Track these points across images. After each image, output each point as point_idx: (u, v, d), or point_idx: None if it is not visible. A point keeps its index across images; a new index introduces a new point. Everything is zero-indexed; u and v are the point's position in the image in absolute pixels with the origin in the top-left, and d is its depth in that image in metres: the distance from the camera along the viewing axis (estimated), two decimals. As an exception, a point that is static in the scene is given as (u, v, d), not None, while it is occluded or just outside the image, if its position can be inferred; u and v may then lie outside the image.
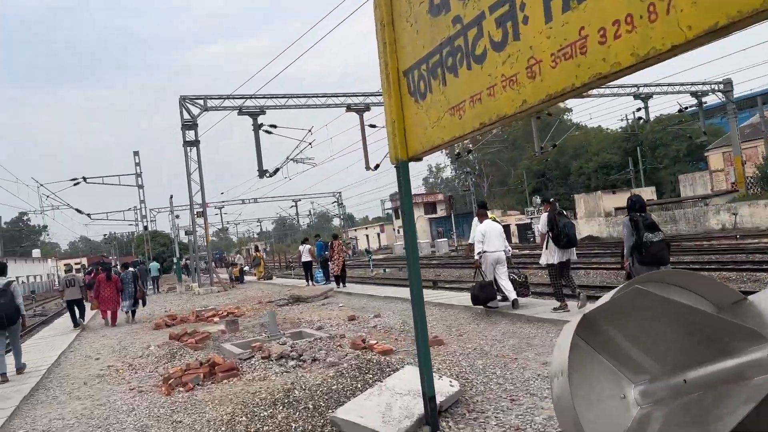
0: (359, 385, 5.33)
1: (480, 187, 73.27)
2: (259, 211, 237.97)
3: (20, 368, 8.64)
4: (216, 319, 12.54)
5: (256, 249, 41.14)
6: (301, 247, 21.71)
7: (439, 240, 48.13)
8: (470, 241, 10.39)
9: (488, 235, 9.18)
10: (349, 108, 25.28)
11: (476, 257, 9.26)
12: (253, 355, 7.16)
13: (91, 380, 7.70)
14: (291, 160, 24.85)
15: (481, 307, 9.37)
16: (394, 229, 74.96)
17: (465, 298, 10.35)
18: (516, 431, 4.20)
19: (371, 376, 5.62)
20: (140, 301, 15.93)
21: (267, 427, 4.63)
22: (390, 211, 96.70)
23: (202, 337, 9.30)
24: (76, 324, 14.63)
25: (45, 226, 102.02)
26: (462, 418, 4.58)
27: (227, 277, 26.55)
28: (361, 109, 25.48)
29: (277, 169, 24.36)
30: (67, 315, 17.10)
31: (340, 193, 68.13)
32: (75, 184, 29.61)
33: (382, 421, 4.24)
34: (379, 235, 79.53)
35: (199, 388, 6.39)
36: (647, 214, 6.67)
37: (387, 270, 33.47)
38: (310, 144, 25.09)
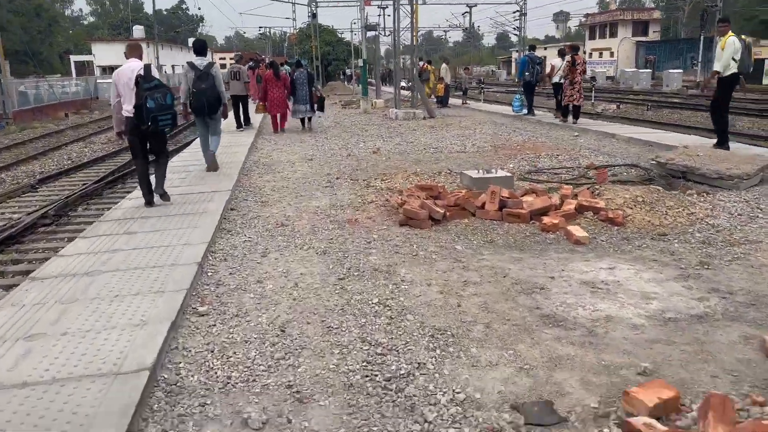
0: None
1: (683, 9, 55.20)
2: (422, 17, 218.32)
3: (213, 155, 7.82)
4: (556, 219, 5.00)
5: (429, 62, 33.52)
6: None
7: (671, 71, 35.95)
8: (716, 68, 7.62)
9: None
10: None
11: None
12: None
13: None
14: None
15: None
16: (584, 52, 61.36)
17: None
18: None
19: None
20: (317, 107, 13.44)
21: None
22: (576, 27, 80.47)
23: None
24: (240, 125, 13.22)
25: (202, 17, 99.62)
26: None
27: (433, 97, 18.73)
28: None
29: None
30: (231, 115, 13.34)
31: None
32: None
33: None
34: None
35: None
36: None
37: (620, 106, 24.14)
38: None
